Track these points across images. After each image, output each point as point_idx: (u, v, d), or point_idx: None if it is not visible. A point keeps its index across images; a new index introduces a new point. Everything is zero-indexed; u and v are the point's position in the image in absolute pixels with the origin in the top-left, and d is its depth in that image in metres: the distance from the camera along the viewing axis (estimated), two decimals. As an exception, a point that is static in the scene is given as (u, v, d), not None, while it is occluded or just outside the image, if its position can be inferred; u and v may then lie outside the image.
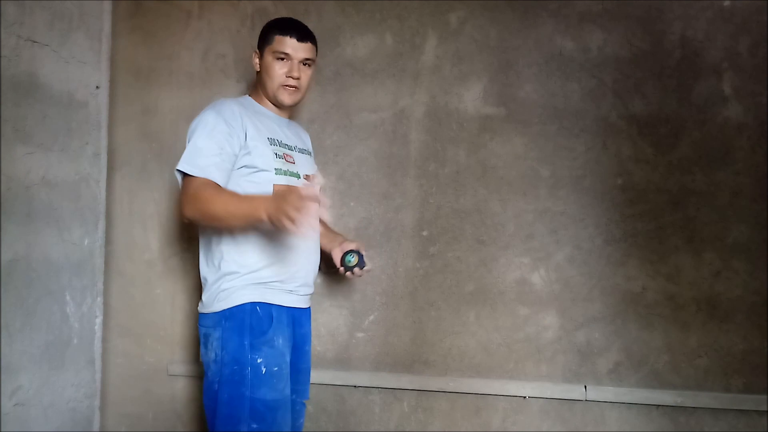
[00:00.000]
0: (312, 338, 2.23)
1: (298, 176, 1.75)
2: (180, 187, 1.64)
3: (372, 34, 2.27)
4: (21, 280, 1.96)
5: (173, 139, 2.32)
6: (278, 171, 1.69)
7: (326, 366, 2.26)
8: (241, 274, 1.66)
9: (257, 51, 1.79)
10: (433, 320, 2.22)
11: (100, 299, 2.31)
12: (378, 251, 2.25)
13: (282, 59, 1.73)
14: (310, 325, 1.86)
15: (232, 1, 2.34)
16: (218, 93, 2.26)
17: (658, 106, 2.15)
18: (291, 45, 1.73)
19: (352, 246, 1.85)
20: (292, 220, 1.37)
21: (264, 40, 1.77)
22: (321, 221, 1.98)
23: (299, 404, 1.83)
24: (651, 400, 2.12)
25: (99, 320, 2.30)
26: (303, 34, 1.76)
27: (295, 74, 1.74)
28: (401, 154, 2.25)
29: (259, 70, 1.79)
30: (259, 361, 1.62)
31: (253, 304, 1.65)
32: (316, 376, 2.20)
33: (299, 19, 1.80)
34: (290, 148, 1.78)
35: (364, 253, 1.84)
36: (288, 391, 1.68)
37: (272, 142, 1.72)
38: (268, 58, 1.74)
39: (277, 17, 1.84)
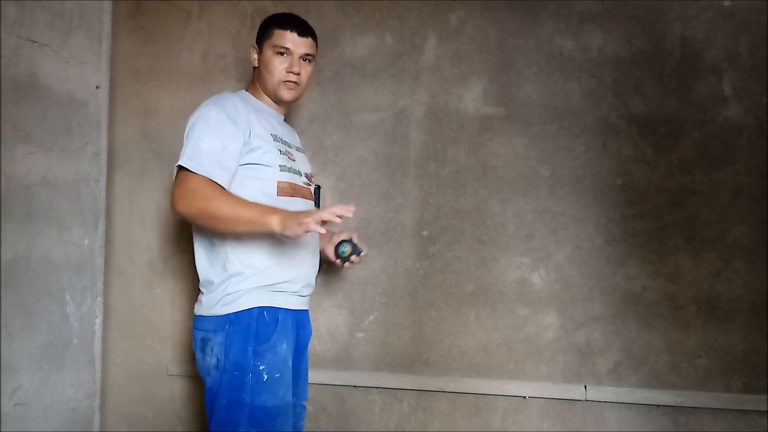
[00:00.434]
0: (312, 338, 2.23)
1: (300, 174, 1.74)
2: (174, 180, 1.59)
3: (372, 34, 2.27)
4: (21, 280, 1.96)
5: (173, 139, 2.32)
6: (283, 168, 1.66)
7: (326, 366, 2.26)
8: (248, 276, 1.61)
9: (255, 46, 1.76)
10: (433, 320, 2.22)
11: (100, 299, 2.31)
12: (378, 251, 2.25)
13: (282, 54, 1.70)
14: (310, 326, 1.85)
15: (232, 1, 2.34)
16: (218, 93, 2.25)
17: (658, 106, 2.15)
18: (291, 40, 1.70)
19: (342, 236, 1.81)
20: (307, 230, 1.44)
21: (263, 34, 1.74)
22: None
23: (299, 406, 1.82)
24: (651, 400, 2.12)
25: (99, 320, 2.30)
26: (303, 28, 1.73)
27: (296, 69, 1.71)
28: (401, 154, 2.25)
29: (257, 65, 1.76)
30: (261, 368, 1.58)
31: (261, 309, 1.61)
32: (316, 376, 2.20)
33: (309, 26, 1.77)
34: (290, 146, 1.76)
35: (356, 241, 1.80)
36: (289, 397, 1.65)
37: (276, 138, 1.69)
38: (268, 52, 1.71)
39: (277, 13, 1.81)
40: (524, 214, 2.19)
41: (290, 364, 1.67)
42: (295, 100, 1.78)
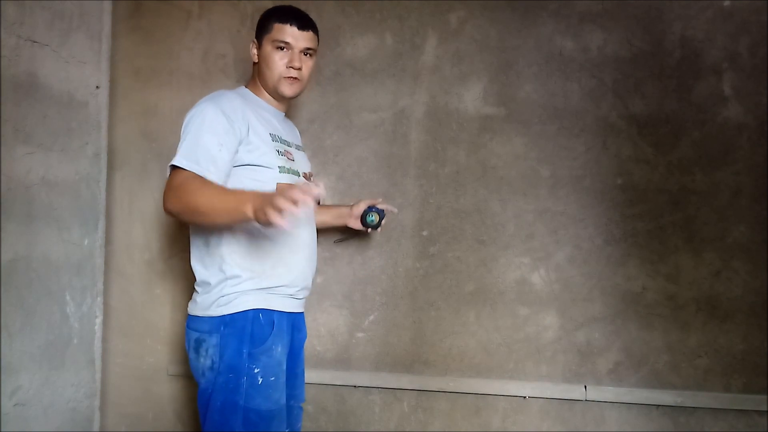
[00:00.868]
0: (312, 338, 2.24)
1: (298, 174, 1.71)
2: (168, 178, 1.55)
3: (372, 34, 2.27)
4: (21, 280, 1.96)
5: (173, 139, 2.27)
6: (282, 169, 1.63)
7: (326, 366, 2.27)
8: (244, 279, 1.60)
9: (255, 41, 1.72)
10: (433, 320, 2.22)
11: (100, 299, 2.31)
12: (378, 251, 2.25)
13: (282, 48, 1.66)
14: (305, 329, 1.83)
15: (232, 1, 2.34)
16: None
17: (658, 106, 2.15)
18: (291, 33, 1.66)
19: (365, 205, 1.80)
20: (280, 211, 1.27)
21: (262, 28, 1.69)
22: (318, 204, 1.96)
23: (297, 408, 1.81)
24: (651, 400, 2.12)
25: (99, 320, 2.31)
26: (304, 22, 1.69)
27: (296, 64, 1.67)
28: (401, 154, 2.25)
29: (256, 61, 1.72)
30: (256, 371, 1.57)
31: (256, 311, 1.60)
32: (316, 376, 2.21)
33: (310, 19, 1.74)
34: (289, 145, 1.73)
35: (381, 206, 1.81)
36: (284, 400, 1.64)
37: (274, 138, 1.66)
38: (268, 47, 1.67)
39: (275, 6, 1.77)
40: (524, 214, 2.19)
41: (285, 366, 1.66)
42: (297, 95, 1.74)
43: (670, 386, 2.12)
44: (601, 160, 2.17)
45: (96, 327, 2.29)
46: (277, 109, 1.76)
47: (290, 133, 1.81)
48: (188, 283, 2.34)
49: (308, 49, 1.69)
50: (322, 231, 2.23)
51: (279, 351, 1.63)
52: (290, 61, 1.67)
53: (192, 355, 1.64)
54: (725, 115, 2.12)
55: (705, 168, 2.13)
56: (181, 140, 1.57)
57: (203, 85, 2.34)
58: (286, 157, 1.67)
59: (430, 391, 2.22)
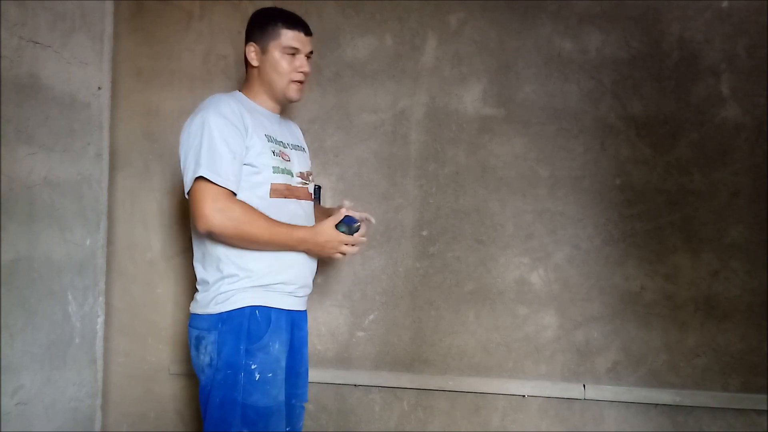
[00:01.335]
0: (312, 337, 2.25)
1: (292, 174, 1.72)
2: (194, 193, 1.57)
3: (372, 35, 2.28)
4: (23, 279, 1.96)
5: (175, 140, 2.29)
6: (276, 169, 1.66)
7: (327, 365, 2.28)
8: (241, 277, 1.62)
9: (255, 45, 1.72)
10: (433, 320, 2.23)
11: (101, 299, 2.32)
12: (378, 251, 2.26)
13: (291, 54, 1.70)
14: (307, 327, 1.84)
15: (233, 2, 2.35)
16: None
17: (656, 107, 2.16)
18: (300, 39, 1.70)
19: (338, 217, 1.70)
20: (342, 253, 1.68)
21: (267, 34, 1.70)
22: (316, 207, 1.97)
23: (299, 407, 1.82)
24: (649, 399, 2.13)
25: (101, 320, 2.31)
26: (307, 27, 1.74)
27: (307, 69, 1.72)
28: (401, 154, 2.26)
29: (256, 65, 1.72)
30: (253, 367, 1.58)
31: (253, 308, 1.62)
32: (316, 375, 2.21)
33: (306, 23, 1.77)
34: (285, 146, 1.74)
35: (351, 213, 1.71)
36: (282, 397, 1.65)
37: (269, 139, 1.68)
38: (276, 53, 1.69)
39: (269, 8, 1.79)
40: (523, 214, 2.20)
41: (283, 364, 1.67)
42: (301, 98, 1.78)
43: (669, 385, 2.13)
44: (600, 161, 2.18)
45: (98, 326, 2.30)
46: (272, 111, 1.78)
47: (287, 133, 1.82)
48: (189, 283, 2.35)
49: (311, 53, 1.75)
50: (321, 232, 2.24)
51: (277, 348, 1.64)
52: (300, 65, 1.71)
53: (193, 352, 1.67)
54: (723, 115, 2.13)
55: (703, 168, 2.14)
56: (192, 151, 1.59)
57: (204, 86, 2.35)
58: (281, 158, 1.69)
59: (429, 390, 2.23)
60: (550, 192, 2.19)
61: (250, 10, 2.32)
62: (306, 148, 1.91)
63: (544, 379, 2.18)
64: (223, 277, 1.62)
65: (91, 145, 2.25)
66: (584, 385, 2.15)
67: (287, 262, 1.67)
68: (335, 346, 2.29)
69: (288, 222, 1.67)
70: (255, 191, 1.63)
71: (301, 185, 1.75)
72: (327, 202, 2.28)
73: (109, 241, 2.37)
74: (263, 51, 1.71)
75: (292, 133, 1.87)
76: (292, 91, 1.72)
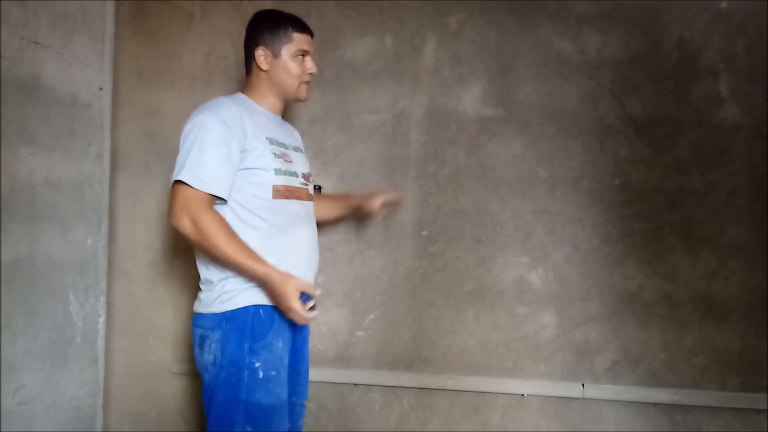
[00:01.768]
0: (313, 336, 2.26)
1: (297, 175, 1.74)
2: (172, 192, 1.59)
3: (372, 36, 2.29)
4: (24, 279, 1.97)
5: (176, 140, 2.28)
6: (278, 171, 1.67)
7: (327, 364, 2.28)
8: (246, 277, 1.63)
9: (266, 50, 1.73)
10: (433, 319, 2.24)
11: (103, 299, 2.33)
12: (378, 251, 2.27)
13: (301, 56, 1.75)
14: (308, 327, 1.85)
15: (234, 3, 2.36)
16: (220, 95, 2.26)
17: (655, 107, 2.17)
18: (308, 42, 1.76)
19: (308, 288, 1.62)
20: (290, 315, 1.61)
21: (278, 38, 1.72)
22: (322, 196, 2.07)
23: (299, 405, 1.83)
24: (648, 398, 2.13)
25: (102, 319, 2.32)
26: (310, 29, 1.79)
27: (316, 70, 1.78)
28: (401, 155, 2.27)
29: (266, 68, 1.74)
30: (257, 365, 1.60)
31: (257, 306, 1.63)
32: (316, 374, 2.22)
33: None
34: (287, 147, 1.76)
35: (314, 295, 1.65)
36: (285, 395, 1.66)
37: (271, 141, 1.69)
38: (288, 57, 1.73)
39: (271, 10, 1.81)
40: (522, 214, 2.21)
41: (286, 362, 1.69)
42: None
43: (668, 384, 2.14)
44: (599, 161, 2.18)
45: (99, 326, 2.31)
46: (274, 113, 1.79)
47: (288, 135, 1.83)
48: (190, 283, 2.36)
49: (313, 53, 1.80)
50: (321, 230, 2.26)
51: (280, 346, 1.66)
52: (311, 66, 1.77)
53: (197, 351, 1.68)
54: (722, 116, 2.14)
55: (702, 168, 2.14)
56: (182, 152, 1.61)
57: (205, 86, 2.35)
58: (283, 159, 1.70)
59: (429, 389, 2.24)
60: (549, 192, 2.20)
61: (251, 10, 2.33)
62: (303, 150, 1.93)
63: (544, 379, 2.19)
64: (228, 277, 1.64)
65: (93, 146, 2.26)
66: (583, 385, 2.16)
67: (291, 262, 1.67)
68: (335, 346, 2.29)
69: (289, 222, 1.68)
70: (257, 193, 1.64)
71: (302, 186, 1.77)
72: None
73: (111, 240, 2.38)
74: (274, 55, 1.73)
75: (292, 135, 1.89)
76: (303, 92, 1.78)
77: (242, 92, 1.79)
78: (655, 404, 2.14)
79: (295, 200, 1.72)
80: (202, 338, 1.65)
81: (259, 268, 1.57)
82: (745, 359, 2.12)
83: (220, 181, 1.58)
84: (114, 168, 2.38)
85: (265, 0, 2.30)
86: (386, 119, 2.28)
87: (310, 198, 1.81)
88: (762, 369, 2.11)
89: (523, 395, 2.20)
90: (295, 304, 1.57)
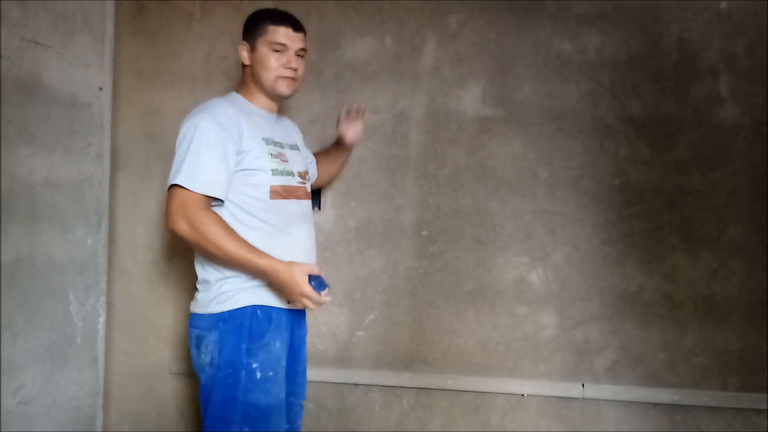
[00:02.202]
0: (313, 336, 2.26)
1: (293, 174, 1.73)
2: (168, 195, 1.59)
3: (372, 36, 2.29)
4: (25, 279, 1.97)
5: (175, 140, 2.33)
6: (275, 172, 1.67)
7: (327, 364, 2.28)
8: (243, 277, 1.63)
9: (246, 44, 1.74)
10: (433, 319, 2.24)
11: (103, 298, 2.33)
12: (378, 251, 2.27)
13: (278, 51, 1.70)
14: (306, 326, 1.85)
15: (234, 3, 2.36)
16: (220, 95, 2.27)
17: (655, 107, 2.17)
18: (287, 35, 1.70)
19: (313, 270, 1.63)
20: (303, 302, 1.60)
21: (255, 31, 1.72)
22: (317, 156, 2.06)
23: (297, 405, 1.82)
24: (648, 398, 2.14)
25: (102, 319, 2.32)
26: (296, 24, 1.74)
27: (294, 65, 1.71)
28: (401, 155, 2.27)
29: (248, 63, 1.74)
30: (254, 366, 1.59)
31: (254, 307, 1.63)
32: (316, 374, 2.23)
33: (299, 20, 1.78)
34: (282, 146, 1.75)
35: (323, 276, 1.65)
36: (283, 395, 1.66)
37: (267, 141, 1.68)
38: (263, 49, 1.70)
39: (262, 8, 1.81)
40: (522, 214, 2.21)
41: (284, 362, 1.68)
42: (293, 94, 1.77)
43: (667, 384, 2.14)
44: (599, 161, 2.19)
45: (99, 326, 2.31)
46: (269, 112, 1.78)
47: (284, 133, 1.82)
48: (190, 283, 2.36)
49: (301, 49, 1.74)
50: (321, 230, 2.26)
51: (278, 347, 1.65)
52: (288, 62, 1.71)
53: (194, 351, 1.67)
54: (722, 116, 2.14)
55: (702, 168, 2.15)
56: (177, 155, 1.61)
57: (205, 86, 2.35)
58: (279, 159, 1.69)
59: (429, 389, 2.24)
60: (549, 192, 2.20)
61: (251, 10, 2.32)
62: (301, 147, 1.91)
63: (543, 379, 2.19)
64: (225, 277, 1.63)
65: (93, 146, 2.26)
66: (583, 385, 2.16)
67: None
68: (335, 346, 2.30)
69: (287, 222, 1.68)
70: (254, 194, 1.64)
71: (300, 185, 1.76)
72: (327, 202, 2.29)
73: (111, 240, 2.38)
74: (252, 48, 1.73)
75: (288, 132, 1.87)
76: (281, 86, 1.72)
77: (237, 91, 1.78)
78: (655, 404, 2.14)
79: (293, 200, 1.72)
80: (199, 339, 1.65)
81: (261, 261, 1.57)
82: (745, 359, 2.12)
83: (217, 182, 1.57)
84: (114, 168, 2.39)
85: (265, 0, 2.30)
86: (386, 119, 2.28)
87: (307, 196, 1.81)
88: (762, 369, 2.11)
89: (523, 395, 2.20)
90: (307, 289, 1.57)
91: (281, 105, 1.87)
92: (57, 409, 2.12)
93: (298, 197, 1.74)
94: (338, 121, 2.05)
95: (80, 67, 2.20)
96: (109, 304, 2.39)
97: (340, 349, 2.29)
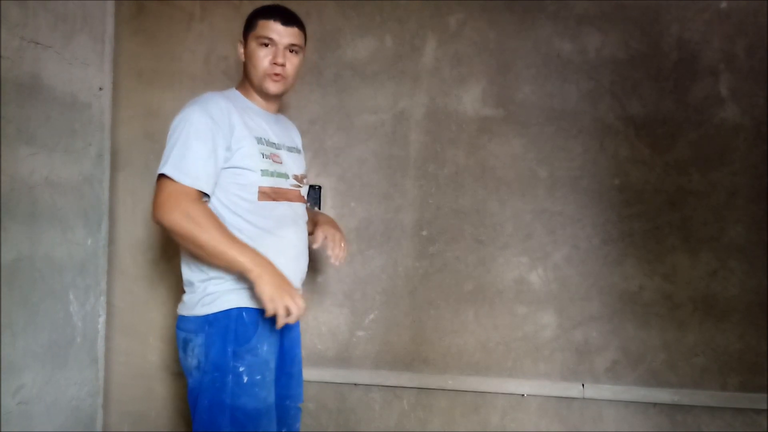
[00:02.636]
0: (313, 336, 2.26)
1: (287, 177, 1.67)
2: (157, 186, 1.53)
3: (372, 36, 2.29)
4: (25, 279, 1.97)
5: (175, 140, 2.34)
6: (264, 172, 1.60)
7: (327, 364, 2.28)
8: (228, 279, 1.58)
9: (241, 40, 1.69)
10: (433, 319, 2.24)
11: (103, 298, 2.33)
12: (378, 251, 2.27)
13: (266, 45, 1.63)
14: (299, 328, 1.79)
15: (234, 3, 2.36)
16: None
17: (655, 107, 2.17)
18: (275, 29, 1.63)
19: (321, 236, 1.69)
20: (286, 311, 1.49)
21: (248, 26, 1.67)
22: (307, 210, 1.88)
23: (294, 409, 1.77)
24: (648, 398, 2.14)
25: (102, 319, 2.32)
26: (288, 18, 1.65)
27: (280, 60, 1.62)
28: (401, 155, 2.27)
29: (243, 60, 1.69)
30: (241, 369, 1.55)
31: (240, 309, 1.57)
32: (317, 374, 2.23)
33: (295, 15, 1.70)
34: (278, 147, 1.68)
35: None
36: (272, 399, 1.61)
37: (260, 141, 1.62)
38: (252, 44, 1.64)
39: (261, 4, 1.75)
40: (522, 214, 2.21)
41: (273, 365, 1.63)
42: (282, 93, 1.70)
43: (667, 384, 2.14)
44: (599, 161, 2.19)
45: (99, 326, 2.31)
46: (266, 110, 1.72)
47: (282, 134, 1.75)
48: (190, 283, 2.36)
49: (293, 45, 1.65)
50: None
51: (265, 350, 1.60)
52: (274, 57, 1.63)
53: (181, 354, 1.63)
54: (722, 116, 2.14)
55: (702, 168, 2.15)
56: (168, 145, 1.57)
57: (205, 86, 2.35)
58: (271, 160, 1.63)
59: (429, 389, 2.24)
60: (549, 192, 2.20)
61: (251, 10, 2.34)
62: (301, 149, 1.84)
63: (543, 379, 2.19)
64: (210, 278, 1.59)
65: (93, 146, 2.26)
66: (583, 385, 2.16)
67: (276, 264, 1.59)
68: (335, 346, 2.30)
69: (275, 224, 1.63)
70: (241, 194, 1.59)
71: (293, 188, 1.70)
72: (327, 202, 2.29)
73: (111, 240, 2.38)
74: (244, 44, 1.68)
75: (287, 133, 1.79)
76: (269, 84, 1.65)
77: (236, 88, 1.74)
78: (655, 404, 2.14)
79: (284, 201, 1.66)
80: (186, 342, 1.61)
81: (257, 255, 1.51)
82: (745, 359, 2.12)
83: (204, 176, 1.52)
84: (114, 168, 2.38)
85: (265, 0, 2.31)
86: (386, 119, 2.28)
87: (301, 200, 1.74)
88: (762, 369, 2.11)
89: (523, 395, 2.20)
90: (291, 303, 1.49)
91: (281, 104, 1.83)
92: (57, 409, 2.12)
93: (289, 199, 1.68)
94: (323, 236, 1.86)
95: (80, 67, 2.20)
96: (109, 304, 2.39)
97: (340, 349, 2.29)
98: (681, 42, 2.17)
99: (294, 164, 1.73)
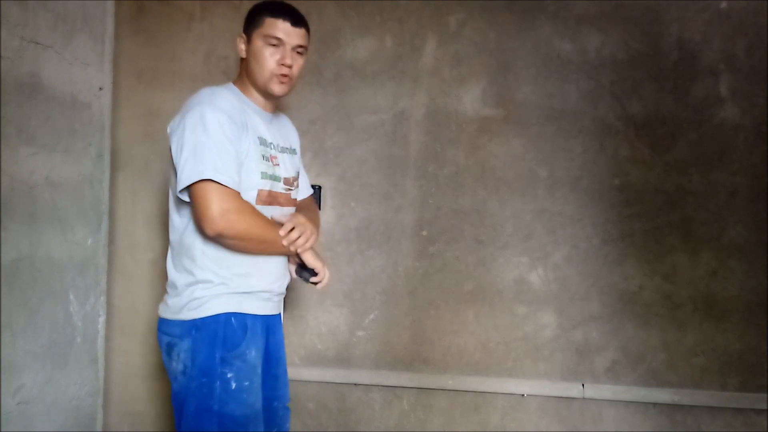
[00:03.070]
0: (313, 336, 2.27)
1: (279, 180, 1.63)
2: (196, 193, 1.46)
3: (372, 36, 2.29)
4: (25, 279, 1.97)
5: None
6: (264, 175, 1.57)
7: (327, 364, 2.28)
8: (216, 283, 1.54)
9: (243, 36, 1.62)
10: (433, 319, 2.24)
11: (103, 298, 2.33)
12: (378, 251, 2.27)
13: (274, 45, 1.57)
14: (282, 330, 1.75)
15: (234, 3, 2.36)
16: (220, 94, 2.28)
17: (655, 107, 2.17)
18: (284, 29, 1.57)
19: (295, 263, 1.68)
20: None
21: (252, 23, 1.60)
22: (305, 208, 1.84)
23: (282, 410, 1.73)
24: (648, 398, 2.14)
25: (102, 319, 2.32)
26: (296, 18, 1.60)
27: (288, 62, 1.57)
28: (401, 155, 2.27)
29: (244, 56, 1.62)
30: (229, 375, 1.51)
31: (228, 314, 1.53)
32: (317, 374, 2.23)
33: (302, 15, 1.67)
34: (275, 148, 1.64)
35: (308, 262, 1.65)
36: (259, 404, 1.57)
37: (261, 142, 1.58)
38: (258, 42, 1.57)
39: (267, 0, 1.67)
40: (522, 214, 2.21)
41: (260, 370, 1.60)
42: (286, 94, 1.65)
43: (667, 384, 2.14)
44: (599, 161, 2.19)
45: (99, 326, 2.31)
46: (264, 109, 1.65)
47: (277, 134, 1.69)
48: (190, 283, 2.36)
49: (300, 46, 1.61)
50: (321, 230, 2.26)
51: (253, 355, 1.57)
52: (282, 58, 1.57)
53: (165, 357, 1.59)
54: (722, 116, 2.14)
55: (702, 169, 2.15)
56: (183, 145, 1.51)
57: (205, 86, 2.34)
58: (270, 162, 1.60)
59: (429, 389, 2.24)
60: (549, 192, 2.20)
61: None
62: (297, 149, 1.80)
63: (543, 378, 2.19)
64: (197, 282, 1.55)
65: (93, 146, 2.26)
66: (583, 385, 2.16)
67: (266, 269, 1.60)
68: (335, 346, 2.29)
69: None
70: (242, 196, 1.53)
71: (284, 191, 1.65)
72: (327, 202, 2.29)
73: (111, 240, 2.38)
74: (248, 41, 1.61)
75: (283, 133, 1.74)
76: (275, 85, 1.59)
77: (233, 83, 1.66)
78: (655, 404, 2.14)
79: (276, 206, 1.62)
80: (170, 346, 1.56)
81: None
82: (745, 359, 2.12)
83: (237, 176, 1.49)
84: (114, 168, 2.38)
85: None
86: (386, 119, 2.28)
87: (291, 203, 1.69)
88: (762, 369, 2.11)
89: (523, 395, 2.20)
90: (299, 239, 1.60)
91: (279, 104, 1.80)
92: (57, 409, 2.12)
93: (280, 204, 1.63)
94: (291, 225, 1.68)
95: (80, 67, 2.20)
96: (109, 304, 2.39)
97: (340, 349, 2.29)
98: (681, 42, 2.17)
99: (287, 166, 1.68)
